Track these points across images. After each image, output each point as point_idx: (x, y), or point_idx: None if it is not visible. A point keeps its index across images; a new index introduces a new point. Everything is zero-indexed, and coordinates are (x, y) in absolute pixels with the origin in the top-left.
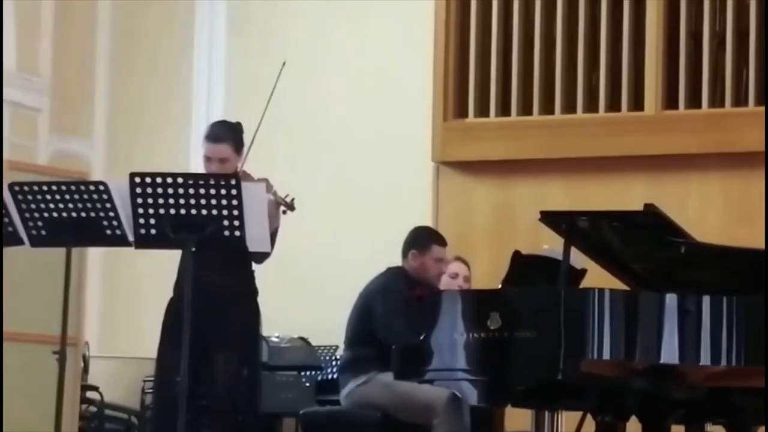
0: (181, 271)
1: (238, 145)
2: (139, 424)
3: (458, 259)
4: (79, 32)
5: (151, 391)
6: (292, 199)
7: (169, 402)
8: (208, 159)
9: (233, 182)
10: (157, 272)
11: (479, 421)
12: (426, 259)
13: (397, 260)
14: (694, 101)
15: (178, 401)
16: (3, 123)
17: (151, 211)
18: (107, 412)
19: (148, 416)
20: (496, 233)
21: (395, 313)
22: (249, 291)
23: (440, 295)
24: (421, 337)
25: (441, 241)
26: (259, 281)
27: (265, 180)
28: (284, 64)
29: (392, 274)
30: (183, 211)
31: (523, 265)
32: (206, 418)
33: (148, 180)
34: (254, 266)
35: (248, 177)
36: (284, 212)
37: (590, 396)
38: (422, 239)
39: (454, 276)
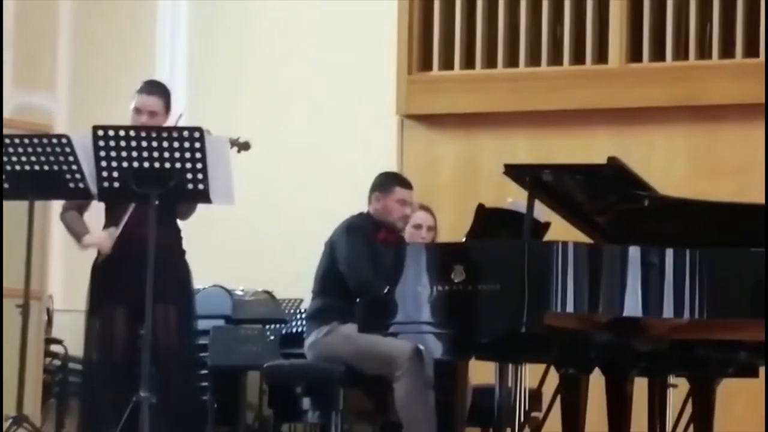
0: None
1: (168, 103)
2: None
3: (422, 207)
4: None
5: None
6: (245, 141)
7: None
8: (137, 111)
9: (197, 134)
10: None
11: (443, 374)
12: (388, 201)
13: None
14: (658, 54)
15: (103, 389)
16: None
17: (114, 164)
18: (71, 365)
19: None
20: (460, 186)
21: (359, 250)
22: (179, 245)
23: (405, 247)
24: (385, 287)
25: (405, 184)
26: (223, 234)
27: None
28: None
29: (356, 216)
30: (146, 164)
31: (487, 218)
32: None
33: (111, 133)
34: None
35: None
36: (239, 151)
37: (554, 348)
38: (385, 182)
39: (418, 227)
